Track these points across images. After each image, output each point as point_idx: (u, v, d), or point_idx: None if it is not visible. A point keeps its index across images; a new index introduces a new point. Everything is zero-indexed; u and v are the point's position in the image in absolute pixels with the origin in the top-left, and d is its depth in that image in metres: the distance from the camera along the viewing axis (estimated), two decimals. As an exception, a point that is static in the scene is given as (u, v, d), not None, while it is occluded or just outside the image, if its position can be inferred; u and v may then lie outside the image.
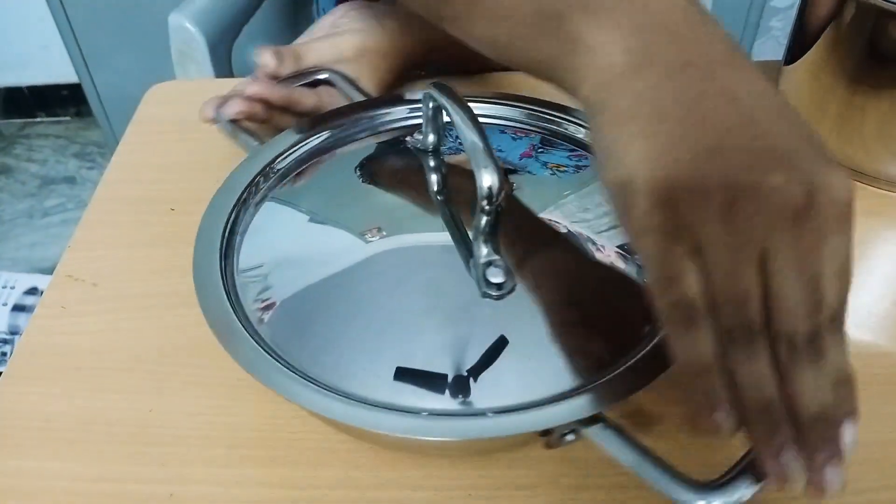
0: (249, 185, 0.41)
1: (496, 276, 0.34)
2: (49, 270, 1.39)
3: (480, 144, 0.33)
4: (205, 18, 0.78)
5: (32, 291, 1.30)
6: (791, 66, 0.53)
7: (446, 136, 0.43)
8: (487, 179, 0.32)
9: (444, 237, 0.37)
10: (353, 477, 0.35)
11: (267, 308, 0.35)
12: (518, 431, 0.29)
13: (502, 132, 0.46)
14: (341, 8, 0.55)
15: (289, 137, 0.44)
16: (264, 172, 0.42)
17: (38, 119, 1.87)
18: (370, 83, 0.52)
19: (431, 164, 0.42)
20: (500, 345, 0.32)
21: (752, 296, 0.24)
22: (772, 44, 1.46)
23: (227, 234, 0.38)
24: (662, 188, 0.24)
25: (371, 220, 0.38)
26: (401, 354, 0.33)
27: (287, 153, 0.43)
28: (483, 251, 0.34)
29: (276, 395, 0.38)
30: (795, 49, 0.53)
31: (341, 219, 0.39)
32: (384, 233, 0.37)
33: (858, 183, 0.50)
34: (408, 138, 0.44)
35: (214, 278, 0.35)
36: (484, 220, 0.34)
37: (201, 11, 0.78)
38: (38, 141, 1.81)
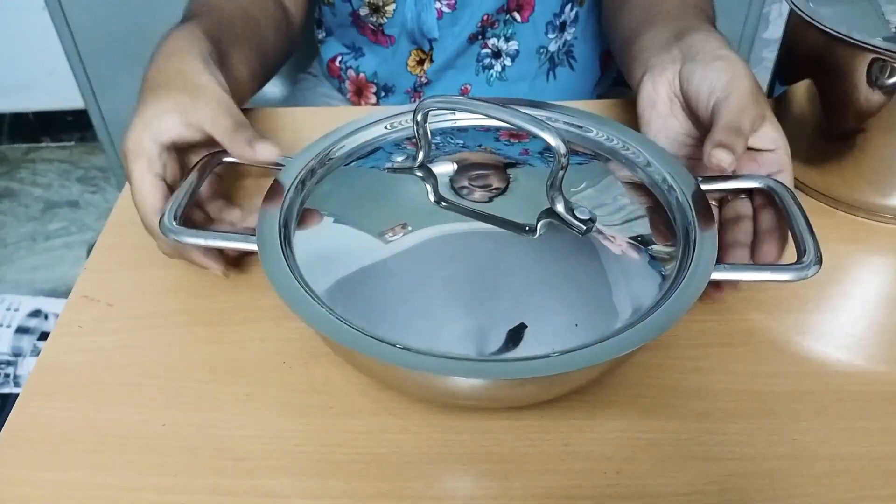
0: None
1: (585, 213, 0.40)
2: (51, 293, 1.41)
3: (528, 118, 0.39)
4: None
5: (36, 314, 1.32)
6: (773, 97, 0.56)
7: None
8: (553, 140, 0.38)
9: (469, 225, 0.41)
10: (356, 487, 0.37)
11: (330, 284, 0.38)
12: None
13: (496, 139, 0.48)
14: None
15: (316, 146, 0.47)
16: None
17: (43, 144, 1.90)
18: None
19: (420, 174, 0.45)
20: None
21: None
22: (764, 74, 1.48)
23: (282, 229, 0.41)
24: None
25: (398, 219, 0.42)
26: (470, 315, 0.37)
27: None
28: (561, 200, 0.40)
29: (283, 408, 0.40)
30: (778, 82, 0.56)
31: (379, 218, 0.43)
32: (409, 228, 0.41)
33: (837, 211, 0.53)
34: (387, 165, 0.46)
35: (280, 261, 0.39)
36: (559, 174, 0.39)
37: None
38: (42, 165, 1.84)
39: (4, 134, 1.88)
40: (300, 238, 0.41)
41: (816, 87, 0.51)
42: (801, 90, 0.52)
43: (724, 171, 0.41)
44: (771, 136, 0.44)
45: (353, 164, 0.47)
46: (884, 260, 0.50)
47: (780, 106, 0.55)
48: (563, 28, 0.73)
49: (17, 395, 0.41)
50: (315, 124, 0.52)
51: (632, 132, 0.48)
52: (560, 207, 0.40)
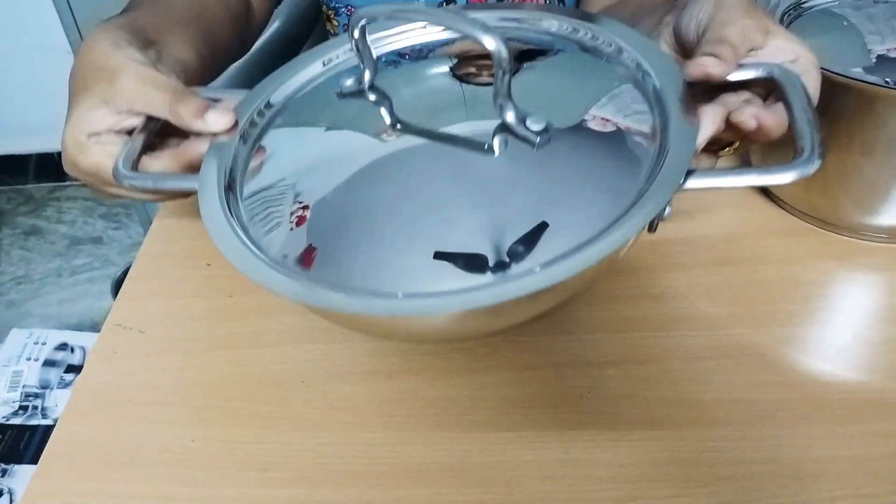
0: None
1: (538, 123, 0.36)
2: (77, 326, 1.46)
3: (465, 21, 0.35)
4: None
5: (62, 347, 1.36)
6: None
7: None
8: (492, 42, 0.34)
9: (431, 144, 0.39)
10: (371, 494, 0.40)
11: (303, 210, 0.37)
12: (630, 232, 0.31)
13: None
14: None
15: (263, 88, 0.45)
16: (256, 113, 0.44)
17: (67, 183, 1.96)
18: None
19: (374, 98, 0.42)
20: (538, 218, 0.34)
21: None
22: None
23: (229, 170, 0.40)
24: None
25: (351, 149, 0.40)
26: (441, 238, 0.35)
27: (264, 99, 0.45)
28: (510, 110, 0.36)
29: (302, 423, 0.43)
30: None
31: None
32: (364, 158, 0.39)
33: (823, 230, 0.55)
34: (337, 90, 0.43)
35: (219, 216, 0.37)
36: (504, 80, 0.35)
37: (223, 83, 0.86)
38: (67, 203, 1.90)
39: (31, 173, 1.94)
40: (251, 182, 0.39)
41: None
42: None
43: (712, 78, 0.37)
44: (784, 47, 0.39)
45: (297, 98, 0.45)
46: (867, 276, 0.52)
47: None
48: None
49: (45, 427, 0.45)
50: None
51: (604, 20, 0.43)
52: (510, 118, 0.36)
